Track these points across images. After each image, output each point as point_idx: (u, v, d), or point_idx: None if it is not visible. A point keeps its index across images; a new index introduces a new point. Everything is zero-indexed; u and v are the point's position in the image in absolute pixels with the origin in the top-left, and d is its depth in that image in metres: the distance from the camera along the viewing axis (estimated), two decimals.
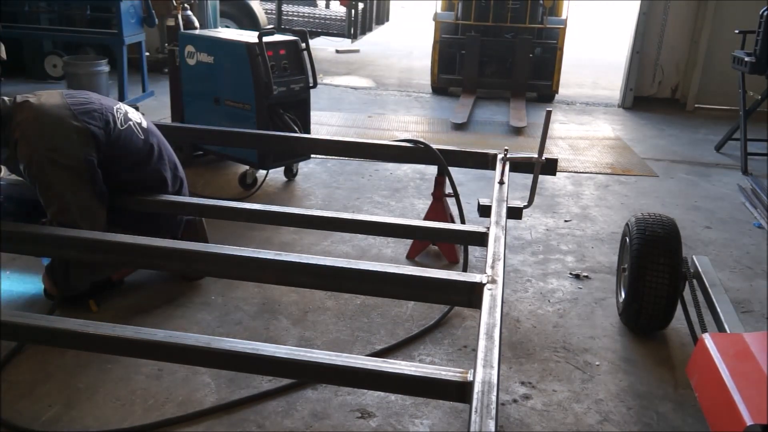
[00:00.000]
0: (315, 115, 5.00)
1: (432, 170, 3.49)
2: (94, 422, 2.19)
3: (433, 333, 2.82)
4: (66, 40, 7.23)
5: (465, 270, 3.23)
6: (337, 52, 10.68)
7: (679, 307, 2.71)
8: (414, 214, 4.11)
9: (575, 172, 5.18)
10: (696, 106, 7.58)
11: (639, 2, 7.44)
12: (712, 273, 2.55)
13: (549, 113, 2.69)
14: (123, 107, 2.90)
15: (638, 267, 2.73)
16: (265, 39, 4.09)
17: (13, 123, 2.61)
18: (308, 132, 4.45)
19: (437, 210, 3.43)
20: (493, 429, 1.31)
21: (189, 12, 4.97)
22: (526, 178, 2.99)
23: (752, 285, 3.42)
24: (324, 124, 6.09)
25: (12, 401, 2.26)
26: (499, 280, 1.94)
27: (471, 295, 1.96)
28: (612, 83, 8.62)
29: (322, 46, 10.38)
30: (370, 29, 9.56)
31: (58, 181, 2.59)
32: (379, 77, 8.98)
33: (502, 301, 1.84)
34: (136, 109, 3.11)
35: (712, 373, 1.76)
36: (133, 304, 2.91)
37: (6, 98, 2.67)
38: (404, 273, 2.12)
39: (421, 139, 3.33)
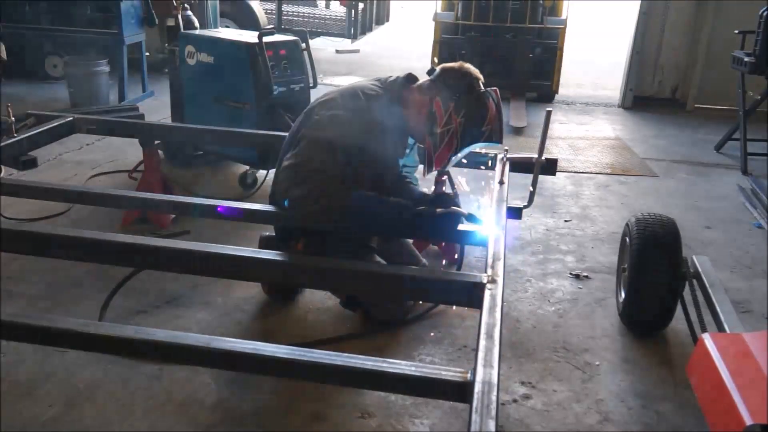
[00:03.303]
0: None
1: None
2: (94, 422, 2.19)
3: (433, 333, 2.82)
4: (66, 40, 7.23)
5: (459, 269, 3.23)
6: (337, 52, 10.68)
7: (679, 307, 2.71)
8: None
9: (575, 172, 5.18)
10: (696, 106, 7.57)
11: (639, 2, 7.44)
12: (712, 273, 2.54)
13: (549, 113, 2.69)
14: None
15: (638, 267, 2.72)
16: (265, 39, 4.09)
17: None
18: None
19: None
20: (493, 429, 1.31)
21: (189, 12, 4.98)
22: (526, 178, 2.98)
23: (752, 285, 3.42)
24: None
25: (12, 401, 2.26)
26: (499, 280, 1.94)
27: (471, 295, 1.96)
28: (612, 83, 8.62)
29: (322, 46, 10.38)
30: (370, 29, 9.57)
31: None
32: None
33: (502, 301, 1.84)
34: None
35: (712, 373, 1.76)
36: (133, 304, 2.91)
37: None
38: (404, 272, 2.12)
39: None
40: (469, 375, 1.57)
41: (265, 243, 2.93)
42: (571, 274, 3.44)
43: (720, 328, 2.18)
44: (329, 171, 2.41)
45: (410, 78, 2.66)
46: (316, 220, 2.47)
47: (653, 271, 2.68)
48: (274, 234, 2.90)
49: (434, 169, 2.66)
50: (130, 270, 3.05)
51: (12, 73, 6.96)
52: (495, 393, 1.42)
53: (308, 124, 2.53)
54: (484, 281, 1.93)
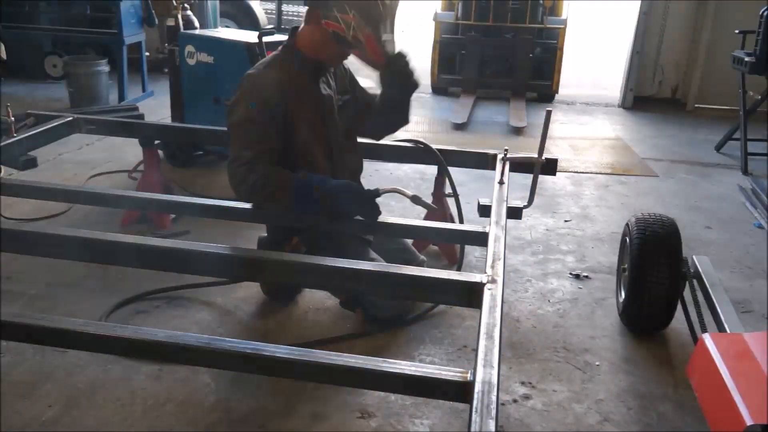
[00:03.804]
0: None
1: (432, 170, 3.48)
2: (94, 422, 2.19)
3: (433, 333, 2.82)
4: (66, 40, 7.23)
5: (459, 269, 3.23)
6: None
7: (679, 307, 2.71)
8: (414, 214, 4.10)
9: (575, 172, 5.18)
10: (696, 106, 7.57)
11: (639, 2, 7.44)
12: (712, 273, 2.54)
13: (549, 113, 2.69)
14: None
15: (638, 267, 2.72)
16: (265, 39, 4.09)
17: None
18: None
19: (437, 210, 3.42)
20: (493, 429, 1.31)
21: (189, 12, 4.97)
22: (526, 178, 2.99)
23: (752, 285, 3.42)
24: None
25: (12, 401, 2.26)
26: (499, 279, 1.94)
27: (471, 295, 1.95)
28: (612, 83, 8.61)
29: None
30: None
31: None
32: None
33: (502, 301, 1.84)
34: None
35: (712, 373, 1.76)
36: (133, 304, 2.91)
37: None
38: (404, 273, 2.12)
39: (421, 139, 3.33)
40: (469, 375, 1.57)
41: (264, 243, 2.94)
42: (571, 274, 3.44)
43: (720, 328, 2.18)
44: (259, 158, 2.41)
45: (295, 28, 2.69)
46: (272, 208, 2.56)
47: (653, 271, 2.68)
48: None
49: (380, 62, 2.60)
50: (129, 270, 3.05)
51: (12, 73, 6.97)
52: (495, 393, 1.42)
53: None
54: (484, 281, 1.93)
